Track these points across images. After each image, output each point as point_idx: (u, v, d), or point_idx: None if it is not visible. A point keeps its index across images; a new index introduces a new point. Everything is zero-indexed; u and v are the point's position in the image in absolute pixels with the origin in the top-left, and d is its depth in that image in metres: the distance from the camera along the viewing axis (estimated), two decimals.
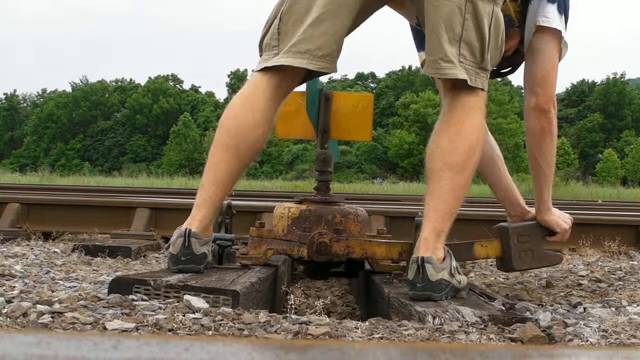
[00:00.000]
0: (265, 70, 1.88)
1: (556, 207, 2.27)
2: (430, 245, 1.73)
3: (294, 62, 1.82)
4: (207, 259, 1.85)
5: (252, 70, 1.95)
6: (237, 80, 63.30)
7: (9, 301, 1.57)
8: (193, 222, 1.82)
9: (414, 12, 1.98)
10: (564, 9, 2.08)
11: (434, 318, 1.47)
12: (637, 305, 1.99)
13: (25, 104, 67.80)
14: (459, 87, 1.83)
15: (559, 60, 2.14)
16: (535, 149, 2.18)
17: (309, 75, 1.93)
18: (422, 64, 2.04)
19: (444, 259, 1.74)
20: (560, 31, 2.06)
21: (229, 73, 65.00)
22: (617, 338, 1.43)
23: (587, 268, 2.88)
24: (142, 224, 3.67)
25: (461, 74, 1.79)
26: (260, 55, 1.93)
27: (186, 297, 1.54)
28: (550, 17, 2.05)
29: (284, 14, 1.86)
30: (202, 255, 1.82)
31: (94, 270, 2.52)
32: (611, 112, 53.84)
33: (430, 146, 1.83)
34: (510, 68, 2.23)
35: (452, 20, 1.77)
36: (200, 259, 1.81)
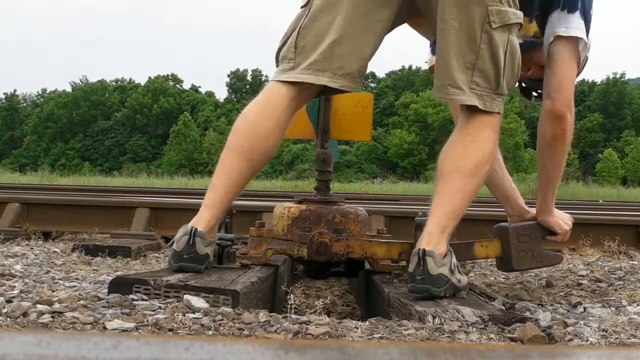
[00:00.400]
0: (282, 82, 1.91)
1: (557, 207, 2.27)
2: (434, 239, 1.74)
3: (315, 80, 1.86)
4: (209, 260, 1.85)
5: (270, 79, 1.97)
6: (237, 80, 63.31)
7: (9, 301, 1.57)
8: (200, 222, 1.83)
9: (431, 33, 2.01)
10: (584, 14, 2.08)
11: (434, 318, 1.47)
12: (637, 305, 1.99)
13: (25, 104, 67.81)
14: (472, 109, 1.87)
15: (580, 66, 2.14)
16: (545, 153, 2.17)
17: (325, 90, 1.95)
18: (431, 69, 2.07)
19: (445, 255, 1.75)
20: (580, 38, 2.06)
21: (229, 73, 65.05)
22: (617, 338, 1.43)
23: (587, 268, 2.88)
24: (142, 224, 3.67)
25: (471, 100, 1.83)
26: (277, 66, 1.96)
27: (186, 296, 1.54)
28: (570, 26, 2.06)
29: (303, 28, 1.89)
30: (205, 256, 1.82)
31: (94, 270, 2.52)
32: (611, 112, 53.84)
33: (444, 151, 1.87)
34: None
35: (464, 49, 1.81)
36: (202, 259, 1.81)
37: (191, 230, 1.80)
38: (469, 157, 1.82)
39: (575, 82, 2.15)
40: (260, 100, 1.92)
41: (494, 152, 1.90)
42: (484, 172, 1.86)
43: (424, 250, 1.71)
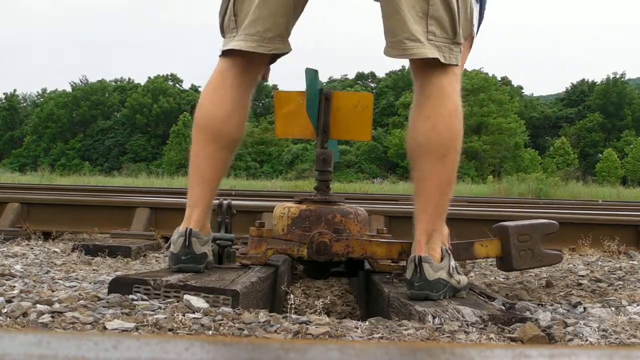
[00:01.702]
0: (228, 57, 1.84)
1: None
2: (424, 246, 1.72)
3: (243, 46, 1.78)
4: (208, 259, 1.85)
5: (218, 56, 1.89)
6: None
7: (9, 301, 1.57)
8: (190, 222, 1.82)
9: None
10: None
11: (434, 318, 1.47)
12: (637, 305, 1.99)
13: (25, 104, 67.83)
14: (430, 66, 1.71)
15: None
16: None
17: (275, 56, 1.88)
18: None
19: (442, 259, 1.74)
20: None
21: None
22: (617, 338, 1.43)
23: (587, 268, 2.88)
24: (142, 224, 3.67)
25: (431, 53, 1.67)
26: (224, 38, 1.88)
27: (186, 296, 1.54)
28: None
29: None
30: (203, 255, 1.82)
31: (94, 270, 2.52)
32: (611, 112, 53.84)
33: (409, 143, 1.76)
34: None
35: None
36: (201, 259, 1.81)
37: (186, 231, 1.80)
38: (435, 147, 1.70)
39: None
40: (211, 83, 1.86)
41: (460, 121, 1.73)
42: (456, 152, 1.73)
43: (419, 257, 1.70)
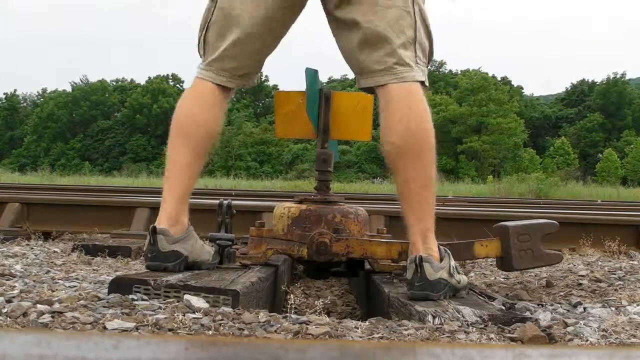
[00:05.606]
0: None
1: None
2: (421, 247, 1.74)
3: (214, 79, 1.91)
4: (182, 257, 1.82)
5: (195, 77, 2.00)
6: None
7: (9, 301, 1.57)
8: (161, 219, 1.83)
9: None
10: None
11: (434, 318, 1.47)
12: (637, 305, 1.99)
13: (25, 104, 67.83)
14: (398, 88, 1.79)
15: None
16: None
17: None
18: None
19: (442, 259, 1.75)
20: None
21: None
22: (617, 338, 1.43)
23: (587, 268, 2.87)
24: (142, 224, 3.66)
25: (419, 76, 1.79)
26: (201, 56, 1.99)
27: (186, 296, 1.54)
28: None
29: (211, 23, 1.91)
30: (172, 253, 1.80)
31: (94, 270, 2.52)
32: (611, 112, 53.83)
33: (385, 148, 1.80)
34: None
35: (401, 24, 1.77)
36: (169, 257, 1.80)
37: (150, 228, 1.81)
38: (411, 147, 1.75)
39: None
40: (193, 88, 1.96)
41: (429, 119, 1.81)
42: (431, 148, 1.78)
43: (420, 257, 1.71)
